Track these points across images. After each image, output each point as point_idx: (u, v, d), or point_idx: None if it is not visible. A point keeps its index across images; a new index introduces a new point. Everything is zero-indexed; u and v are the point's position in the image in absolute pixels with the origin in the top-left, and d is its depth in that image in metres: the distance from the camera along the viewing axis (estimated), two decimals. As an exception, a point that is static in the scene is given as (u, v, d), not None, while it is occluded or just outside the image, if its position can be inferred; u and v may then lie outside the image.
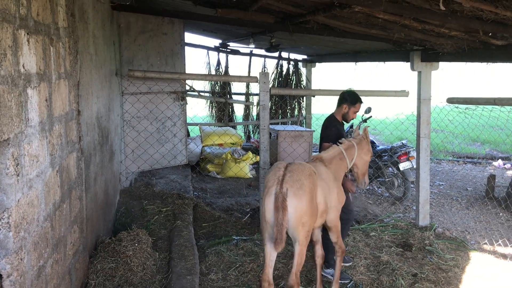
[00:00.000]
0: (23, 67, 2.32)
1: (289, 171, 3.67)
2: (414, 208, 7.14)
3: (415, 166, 7.23)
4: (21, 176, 2.30)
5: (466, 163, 11.70)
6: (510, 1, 3.60)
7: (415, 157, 7.11)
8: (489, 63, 5.68)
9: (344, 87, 6.41)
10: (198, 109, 11.78)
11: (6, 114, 2.08)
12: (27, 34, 2.39)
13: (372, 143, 8.96)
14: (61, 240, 3.11)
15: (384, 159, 8.39)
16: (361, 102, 5.13)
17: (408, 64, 6.67)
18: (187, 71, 8.21)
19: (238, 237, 5.73)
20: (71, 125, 3.42)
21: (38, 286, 2.61)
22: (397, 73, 18.02)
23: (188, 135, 10.69)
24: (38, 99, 2.57)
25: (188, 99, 9.44)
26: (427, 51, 6.30)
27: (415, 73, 6.62)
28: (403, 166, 8.00)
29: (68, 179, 3.32)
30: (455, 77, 25.94)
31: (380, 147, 8.88)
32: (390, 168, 8.42)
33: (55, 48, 2.95)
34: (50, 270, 2.86)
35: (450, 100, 6.20)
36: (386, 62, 8.26)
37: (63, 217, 3.15)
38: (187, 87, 7.82)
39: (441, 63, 6.57)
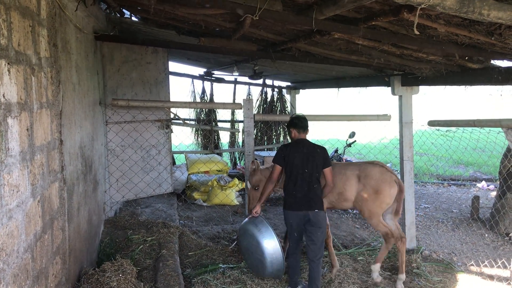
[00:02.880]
0: (4, 96, 2.32)
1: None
2: (401, 231, 7.15)
3: (400, 189, 7.27)
4: (0, 206, 2.27)
5: (450, 185, 11.81)
6: (481, 26, 3.73)
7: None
8: (467, 86, 5.82)
9: (328, 112, 6.49)
10: (183, 137, 11.77)
11: (-15, 144, 2.07)
12: (8, 64, 2.40)
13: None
14: (42, 271, 3.04)
15: (369, 183, 8.43)
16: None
17: (389, 89, 6.79)
18: (172, 99, 8.25)
19: (225, 265, 5.66)
20: (53, 155, 3.40)
21: (18, 320, 2.54)
22: (380, 97, 18.32)
23: (174, 163, 10.66)
24: (19, 128, 2.56)
25: (173, 127, 9.45)
26: (407, 75, 6.44)
27: (397, 97, 6.74)
28: (388, 189, 8.04)
29: (50, 209, 3.27)
30: (437, 101, 26.45)
31: (365, 171, 8.92)
32: (375, 192, 8.45)
33: (36, 78, 2.96)
34: (31, 303, 2.79)
35: (431, 123, 6.31)
36: (368, 87, 8.40)
37: (44, 248, 3.10)
38: (172, 115, 7.83)
39: (422, 87, 6.72)
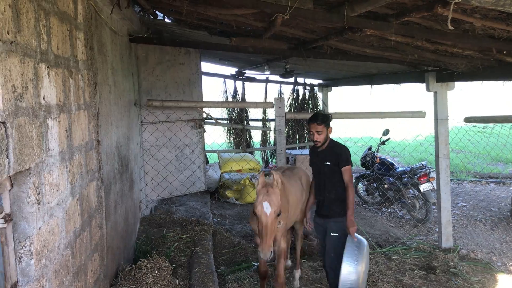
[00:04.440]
0: (44, 99, 2.41)
1: None
2: (437, 230, 7.00)
3: (435, 187, 7.12)
4: (42, 204, 2.36)
5: (488, 183, 11.47)
6: (520, 19, 3.61)
7: (436, 178, 7.02)
8: (505, 81, 5.65)
9: (361, 109, 6.42)
10: (216, 136, 11.88)
11: (27, 144, 2.16)
12: (48, 67, 2.50)
13: (392, 165, 8.89)
14: (81, 268, 3.15)
15: (404, 181, 8.29)
16: (311, 121, 4.59)
17: (424, 85, 6.66)
18: (205, 99, 8.35)
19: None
20: (91, 155, 3.50)
21: (59, 313, 2.64)
22: (414, 94, 17.95)
23: (207, 162, 10.77)
24: (58, 129, 2.65)
25: (206, 126, 9.55)
26: (442, 71, 6.30)
27: (432, 93, 6.60)
28: (423, 187, 7.89)
29: (88, 207, 3.38)
30: (474, 97, 25.67)
31: (400, 169, 8.79)
32: (410, 190, 8.31)
33: (74, 80, 3.06)
34: (71, 298, 2.89)
35: (468, 119, 6.16)
36: (401, 84, 8.26)
37: (83, 245, 3.20)
38: (205, 115, 7.93)
39: (458, 83, 6.55)
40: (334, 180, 4.53)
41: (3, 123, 1.90)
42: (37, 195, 2.31)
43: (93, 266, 3.48)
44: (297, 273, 5.39)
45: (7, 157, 1.94)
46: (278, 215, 3.97)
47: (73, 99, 3.02)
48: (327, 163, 4.54)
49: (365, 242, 4.47)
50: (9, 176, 2.09)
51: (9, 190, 2.18)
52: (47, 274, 2.44)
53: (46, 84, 2.46)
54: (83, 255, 3.20)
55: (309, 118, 4.65)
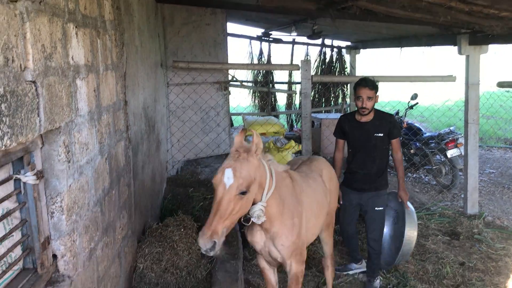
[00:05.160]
0: (72, 59, 2.44)
1: None
2: (462, 196, 6.94)
3: (463, 153, 7.01)
4: (72, 162, 2.43)
5: (519, 150, 11.21)
6: None
7: (464, 144, 6.90)
8: (543, 44, 5.42)
9: (389, 73, 6.28)
10: (240, 99, 11.87)
11: (57, 104, 2.20)
12: (76, 27, 2.51)
13: (419, 130, 8.75)
14: (110, 224, 3.26)
15: (431, 147, 8.17)
16: (362, 86, 4.24)
17: (456, 48, 6.45)
18: (230, 61, 8.30)
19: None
20: (119, 115, 3.56)
21: (90, 267, 2.76)
22: (444, 58, 17.41)
23: (231, 124, 10.80)
24: (87, 89, 2.69)
25: (231, 89, 9.54)
26: (475, 34, 6.08)
27: (463, 57, 6.40)
28: (450, 153, 7.77)
29: (117, 166, 3.46)
30: (508, 61, 24.74)
31: (427, 134, 8.65)
32: (437, 156, 8.20)
33: (102, 41, 3.08)
34: (101, 253, 3.01)
35: (501, 84, 5.98)
36: (432, 47, 8.01)
37: (112, 203, 3.30)
38: (230, 77, 7.90)
39: (491, 46, 6.32)
40: (383, 153, 4.39)
41: (34, 82, 1.94)
42: (67, 153, 2.37)
43: (121, 223, 3.60)
44: None
45: (38, 115, 1.99)
46: (243, 193, 2.72)
47: (101, 59, 3.05)
48: (379, 134, 4.32)
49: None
50: (40, 134, 2.15)
51: (41, 148, 2.24)
52: (77, 229, 2.54)
53: (74, 44, 2.48)
54: (112, 212, 3.30)
55: (358, 82, 4.30)
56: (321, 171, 3.89)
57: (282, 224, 3.14)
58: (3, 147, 1.68)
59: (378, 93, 4.29)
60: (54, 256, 2.37)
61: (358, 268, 4.85)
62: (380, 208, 4.43)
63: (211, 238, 2.53)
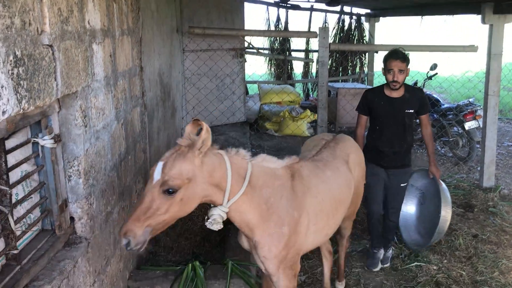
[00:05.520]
0: (88, 23, 2.42)
1: None
2: (479, 169, 6.87)
3: (481, 126, 6.89)
4: (88, 127, 2.45)
5: (539, 124, 10.99)
6: None
7: (482, 116, 6.77)
8: None
9: (410, 42, 6.13)
10: (256, 67, 11.75)
11: (74, 68, 2.20)
12: (92, -9, 2.48)
13: (437, 101, 8.60)
14: (126, 189, 3.31)
15: (448, 118, 8.05)
16: (393, 58, 3.99)
17: (478, 17, 6.26)
18: (246, 27, 8.18)
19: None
20: (135, 81, 3.56)
21: (106, 230, 2.82)
22: (465, 29, 16.93)
23: (247, 92, 10.75)
24: (103, 54, 2.68)
25: (247, 56, 9.44)
26: (501, 2, 5.87)
27: (485, 28, 6.21)
28: (468, 125, 7.64)
29: (133, 132, 3.48)
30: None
31: (445, 105, 8.50)
32: (455, 127, 8.07)
33: (118, 5, 3.05)
34: (117, 216, 3.07)
35: (524, 55, 5.80)
36: (454, 16, 7.79)
37: (128, 168, 3.34)
38: (246, 44, 7.81)
39: (516, 15, 6.12)
40: (411, 129, 4.27)
41: (51, 46, 1.94)
42: (84, 118, 2.39)
43: (137, 188, 3.65)
44: (341, 286, 4.13)
45: (55, 79, 2.00)
46: (171, 192, 2.22)
47: (117, 24, 3.02)
48: (410, 110, 4.13)
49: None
50: (58, 98, 2.16)
51: (58, 112, 2.26)
52: (94, 193, 2.58)
53: (91, 8, 2.46)
54: (128, 177, 3.35)
55: (389, 54, 4.05)
56: (347, 156, 3.34)
57: (264, 233, 2.59)
58: (21, 110, 1.69)
59: (409, 66, 4.08)
60: (72, 219, 2.43)
61: (387, 257, 4.60)
62: (405, 184, 4.41)
63: (126, 235, 2.16)
